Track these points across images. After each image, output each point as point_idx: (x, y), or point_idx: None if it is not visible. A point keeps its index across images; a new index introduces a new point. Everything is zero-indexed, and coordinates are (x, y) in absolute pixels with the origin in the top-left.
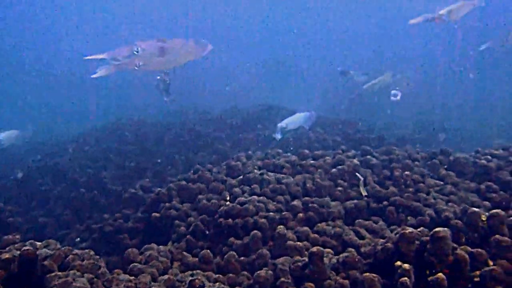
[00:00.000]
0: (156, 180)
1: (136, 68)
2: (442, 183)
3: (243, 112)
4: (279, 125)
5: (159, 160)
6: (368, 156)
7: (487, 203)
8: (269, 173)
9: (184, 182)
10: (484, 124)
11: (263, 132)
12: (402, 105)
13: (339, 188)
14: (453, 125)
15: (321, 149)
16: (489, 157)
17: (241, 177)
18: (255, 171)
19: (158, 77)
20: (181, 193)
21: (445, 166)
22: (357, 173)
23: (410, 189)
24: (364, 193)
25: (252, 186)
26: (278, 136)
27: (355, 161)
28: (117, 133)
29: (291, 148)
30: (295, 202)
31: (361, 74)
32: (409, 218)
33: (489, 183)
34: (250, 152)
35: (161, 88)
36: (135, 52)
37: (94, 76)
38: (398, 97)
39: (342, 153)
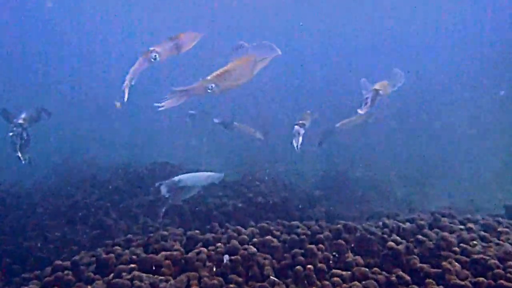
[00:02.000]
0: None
1: (209, 91)
2: (349, 273)
3: (136, 171)
4: (165, 182)
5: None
6: (268, 237)
7: None
8: (143, 276)
9: None
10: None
11: (154, 196)
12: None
13: (232, 286)
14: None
15: (219, 218)
16: (397, 238)
17: (111, 277)
18: (126, 274)
19: (11, 133)
20: None
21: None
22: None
23: None
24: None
25: None
26: (165, 193)
27: (252, 248)
28: None
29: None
30: None
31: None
32: None
33: (400, 272)
34: (130, 236)
35: (16, 144)
36: (209, 90)
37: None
38: (300, 139)
39: (238, 235)
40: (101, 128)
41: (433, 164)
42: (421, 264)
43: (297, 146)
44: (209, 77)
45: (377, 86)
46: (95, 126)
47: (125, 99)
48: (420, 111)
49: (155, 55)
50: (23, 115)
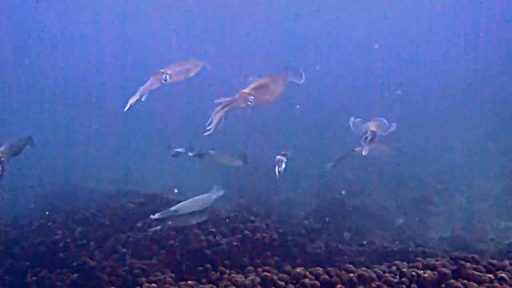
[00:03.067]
0: None
1: (249, 103)
2: None
3: (121, 206)
4: (161, 213)
5: None
6: None
7: None
8: None
9: None
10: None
11: (143, 233)
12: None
13: None
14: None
15: (213, 257)
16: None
17: None
18: None
19: None
20: None
21: None
22: None
23: None
24: None
25: None
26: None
27: None
28: None
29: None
30: None
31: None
32: None
33: None
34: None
35: None
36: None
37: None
38: (283, 167)
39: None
40: (87, 153)
41: (431, 190)
42: None
43: (279, 172)
44: (246, 90)
45: (372, 128)
46: (81, 152)
47: (126, 108)
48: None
49: (166, 76)
50: (2, 148)
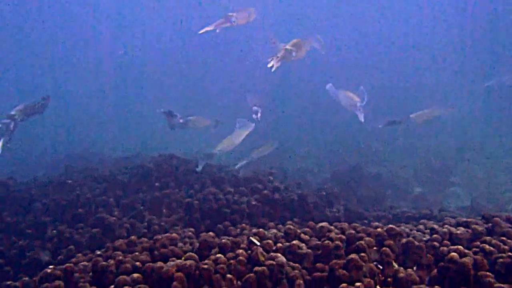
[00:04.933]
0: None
1: (292, 58)
2: None
3: (140, 165)
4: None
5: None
6: (295, 242)
7: None
8: None
9: None
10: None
11: (161, 192)
12: None
13: None
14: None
15: (232, 216)
16: (448, 243)
17: None
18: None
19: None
20: None
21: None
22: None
23: None
24: (262, 258)
25: None
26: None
27: (281, 257)
28: None
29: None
30: None
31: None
32: None
33: None
34: (133, 237)
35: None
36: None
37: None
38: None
39: (260, 239)
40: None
41: (450, 160)
42: (500, 284)
43: (257, 118)
44: (288, 46)
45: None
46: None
47: (201, 31)
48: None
49: (234, 19)
50: (18, 107)
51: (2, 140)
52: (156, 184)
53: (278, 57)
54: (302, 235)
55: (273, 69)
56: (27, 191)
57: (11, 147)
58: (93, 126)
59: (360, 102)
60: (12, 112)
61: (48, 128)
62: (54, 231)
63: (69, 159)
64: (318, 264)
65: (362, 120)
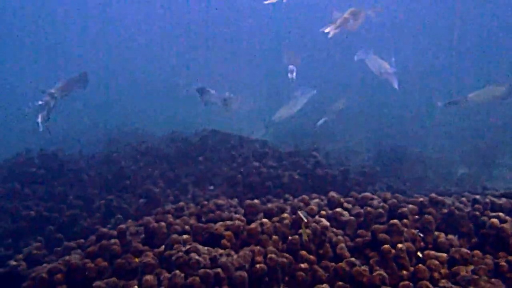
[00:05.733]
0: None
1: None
2: (446, 256)
3: (184, 139)
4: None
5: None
6: (338, 209)
7: None
8: (201, 248)
9: (76, 261)
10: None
11: (205, 165)
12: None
13: (303, 266)
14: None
15: (275, 190)
16: (490, 213)
17: (162, 249)
18: (180, 246)
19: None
20: (71, 278)
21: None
22: (301, 214)
23: (404, 273)
24: (306, 237)
25: (173, 274)
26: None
27: (324, 221)
28: (22, 169)
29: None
30: None
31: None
32: None
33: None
34: (181, 203)
35: (41, 112)
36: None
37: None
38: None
39: (304, 205)
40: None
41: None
42: None
43: (292, 78)
44: (346, 15)
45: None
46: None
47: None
48: None
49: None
50: (57, 84)
51: (41, 117)
52: (200, 158)
53: (336, 23)
54: (345, 203)
55: (329, 35)
56: (75, 163)
57: (49, 126)
58: (138, 102)
59: (392, 68)
60: (52, 90)
61: (90, 106)
62: (102, 201)
63: (114, 133)
64: (360, 231)
65: (396, 87)
